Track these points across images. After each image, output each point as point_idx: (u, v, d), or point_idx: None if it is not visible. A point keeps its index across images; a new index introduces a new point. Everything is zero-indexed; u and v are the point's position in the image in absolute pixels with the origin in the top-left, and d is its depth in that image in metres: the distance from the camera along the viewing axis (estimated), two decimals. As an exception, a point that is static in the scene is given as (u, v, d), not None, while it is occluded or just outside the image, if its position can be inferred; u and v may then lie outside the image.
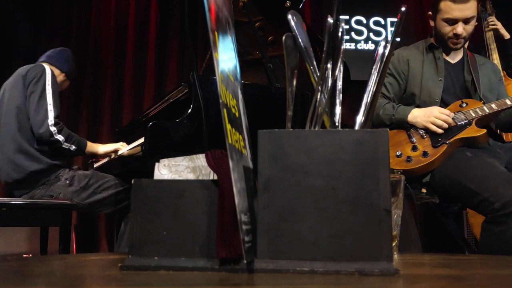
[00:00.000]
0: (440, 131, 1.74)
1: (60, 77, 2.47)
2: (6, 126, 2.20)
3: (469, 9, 1.80)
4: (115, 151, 2.32)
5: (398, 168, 1.71)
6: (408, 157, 1.73)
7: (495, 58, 2.71)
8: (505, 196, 1.44)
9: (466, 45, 1.98)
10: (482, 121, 1.78)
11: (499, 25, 2.72)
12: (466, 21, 1.82)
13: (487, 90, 1.89)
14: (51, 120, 2.10)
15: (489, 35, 2.76)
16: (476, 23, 1.90)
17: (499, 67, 2.22)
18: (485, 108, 1.77)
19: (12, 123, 2.17)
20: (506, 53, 2.70)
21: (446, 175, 1.67)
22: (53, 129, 2.09)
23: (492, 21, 2.74)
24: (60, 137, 2.11)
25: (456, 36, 1.85)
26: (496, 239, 1.45)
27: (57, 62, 2.45)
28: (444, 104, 1.87)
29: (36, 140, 2.15)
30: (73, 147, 2.16)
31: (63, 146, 2.13)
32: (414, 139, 1.79)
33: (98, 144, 2.36)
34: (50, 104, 2.13)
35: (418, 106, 1.87)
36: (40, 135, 2.10)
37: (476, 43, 2.75)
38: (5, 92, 2.30)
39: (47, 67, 2.28)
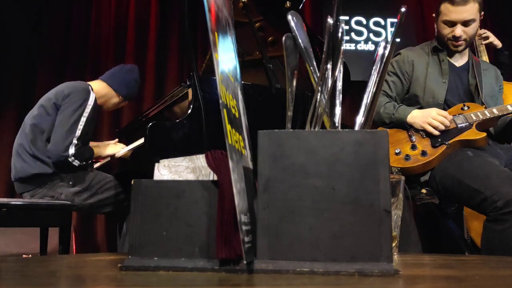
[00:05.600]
0: (436, 132, 1.75)
1: (115, 99, 2.46)
2: (27, 127, 2.21)
3: (467, 12, 1.79)
4: (114, 154, 2.31)
5: (396, 165, 1.72)
6: (407, 155, 1.74)
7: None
8: (508, 194, 1.44)
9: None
10: (482, 125, 1.78)
11: (492, 37, 2.68)
12: (464, 23, 1.82)
13: (489, 96, 1.89)
14: (71, 151, 2.06)
15: (482, 48, 2.72)
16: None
17: None
18: (486, 112, 1.77)
19: (29, 129, 2.17)
20: (499, 61, 2.67)
21: (447, 174, 1.66)
22: (71, 159, 2.07)
23: (484, 32, 2.70)
24: (76, 162, 2.10)
25: (455, 38, 1.85)
26: (498, 238, 1.45)
27: (116, 85, 2.44)
28: (447, 106, 1.87)
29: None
30: (84, 163, 2.16)
31: (77, 166, 2.12)
32: (414, 139, 1.79)
33: (99, 147, 2.32)
34: (76, 137, 2.09)
35: (422, 107, 1.87)
36: (56, 161, 2.08)
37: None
38: (42, 101, 2.26)
39: (92, 95, 2.21)
